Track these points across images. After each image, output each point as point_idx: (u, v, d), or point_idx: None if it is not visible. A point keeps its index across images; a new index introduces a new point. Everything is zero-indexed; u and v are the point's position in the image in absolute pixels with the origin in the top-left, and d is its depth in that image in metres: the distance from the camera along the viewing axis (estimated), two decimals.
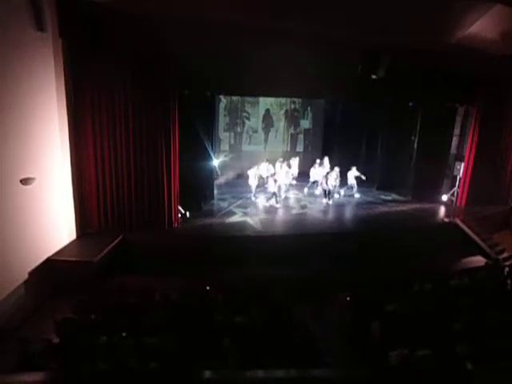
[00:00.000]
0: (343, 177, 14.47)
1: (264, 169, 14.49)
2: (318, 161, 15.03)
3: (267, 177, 14.23)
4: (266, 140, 18.12)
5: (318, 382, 4.58)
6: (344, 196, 14.75)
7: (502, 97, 12.89)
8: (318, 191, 14.68)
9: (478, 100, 13.07)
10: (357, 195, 14.69)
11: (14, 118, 7.32)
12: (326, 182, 13.75)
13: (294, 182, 15.11)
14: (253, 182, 13.68)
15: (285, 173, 14.03)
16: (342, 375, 5.02)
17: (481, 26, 9.54)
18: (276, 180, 13.11)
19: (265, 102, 17.65)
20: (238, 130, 17.74)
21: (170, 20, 8.69)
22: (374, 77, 10.64)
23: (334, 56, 10.46)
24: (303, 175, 15.40)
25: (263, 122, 17.85)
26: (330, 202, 13.77)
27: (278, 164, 14.63)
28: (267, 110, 17.81)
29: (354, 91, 11.86)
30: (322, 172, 14.31)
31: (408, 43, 10.10)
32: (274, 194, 13.05)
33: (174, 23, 8.79)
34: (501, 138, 13.47)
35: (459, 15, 9.26)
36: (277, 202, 13.06)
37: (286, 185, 14.23)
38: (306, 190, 14.95)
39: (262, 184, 14.20)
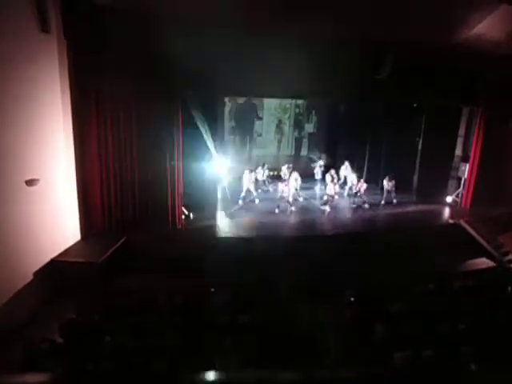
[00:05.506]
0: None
1: (260, 173, 14.75)
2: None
3: (264, 180, 14.83)
4: (279, 148, 18.32)
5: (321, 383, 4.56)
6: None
7: (506, 97, 12.79)
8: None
9: (482, 100, 13.00)
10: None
11: (19, 119, 7.36)
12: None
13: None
14: (247, 184, 13.48)
15: (294, 180, 13.89)
16: (345, 376, 5.00)
17: (486, 26, 9.51)
18: (286, 186, 13.02)
19: (269, 106, 17.63)
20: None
21: (173, 20, 8.72)
22: (377, 77, 10.61)
23: (337, 56, 10.42)
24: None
25: (276, 132, 17.99)
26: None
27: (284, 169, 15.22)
28: (279, 121, 17.90)
29: (357, 92, 11.81)
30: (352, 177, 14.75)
31: (412, 43, 10.08)
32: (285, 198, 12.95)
33: (177, 24, 8.81)
34: (506, 138, 13.38)
35: (464, 15, 9.24)
36: (278, 207, 12.97)
37: (296, 190, 14.04)
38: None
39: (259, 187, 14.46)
